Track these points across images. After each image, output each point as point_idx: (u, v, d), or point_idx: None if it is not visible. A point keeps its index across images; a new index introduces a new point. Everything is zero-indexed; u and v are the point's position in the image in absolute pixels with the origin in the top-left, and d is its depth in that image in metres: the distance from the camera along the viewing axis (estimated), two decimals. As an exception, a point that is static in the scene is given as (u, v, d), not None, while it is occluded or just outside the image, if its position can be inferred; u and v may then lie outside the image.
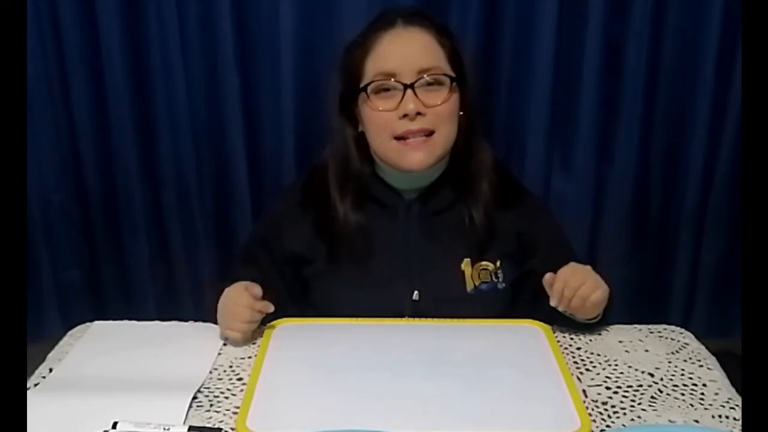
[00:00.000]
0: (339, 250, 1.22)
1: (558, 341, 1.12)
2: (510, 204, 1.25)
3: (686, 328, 1.19)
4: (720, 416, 0.95)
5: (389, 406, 0.94)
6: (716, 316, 1.67)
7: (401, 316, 1.19)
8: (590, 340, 1.14)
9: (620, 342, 1.13)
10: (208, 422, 0.93)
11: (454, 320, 1.16)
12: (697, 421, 0.94)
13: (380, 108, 1.16)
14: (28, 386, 1.01)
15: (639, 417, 0.95)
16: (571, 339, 1.14)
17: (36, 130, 1.51)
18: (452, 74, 1.17)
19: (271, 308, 1.12)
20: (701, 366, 1.07)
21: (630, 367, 1.06)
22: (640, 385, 1.02)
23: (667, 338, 1.15)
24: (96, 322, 1.21)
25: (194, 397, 0.97)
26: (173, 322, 1.20)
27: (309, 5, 1.45)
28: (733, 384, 1.03)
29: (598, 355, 1.10)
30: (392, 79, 1.15)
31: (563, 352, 1.08)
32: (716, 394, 1.00)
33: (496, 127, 1.53)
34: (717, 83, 1.49)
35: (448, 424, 0.91)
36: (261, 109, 1.53)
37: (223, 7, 1.43)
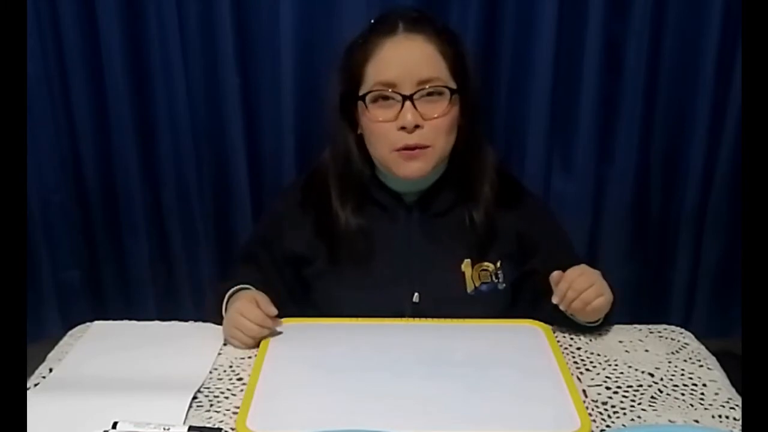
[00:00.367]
0: (339, 251, 1.22)
1: (558, 341, 1.12)
2: (510, 204, 1.25)
3: (686, 328, 1.19)
4: (720, 416, 0.95)
5: (389, 406, 0.94)
6: (716, 316, 1.67)
7: (401, 316, 1.19)
8: (590, 340, 1.14)
9: (620, 342, 1.14)
10: (208, 422, 0.93)
11: (454, 320, 1.16)
12: (697, 421, 0.94)
13: (379, 118, 1.15)
14: (28, 386, 1.01)
15: (639, 417, 0.95)
16: (571, 339, 1.14)
17: (36, 130, 1.51)
18: (453, 86, 1.15)
19: (278, 324, 1.13)
20: (701, 366, 1.07)
21: (630, 367, 1.06)
22: (640, 385, 1.02)
23: (667, 338, 1.15)
24: (96, 322, 1.21)
25: (194, 397, 0.97)
26: (173, 322, 1.20)
27: (309, 5, 1.44)
28: (733, 384, 1.03)
29: (598, 355, 1.10)
30: (391, 90, 1.14)
31: (563, 352, 1.08)
32: (716, 394, 1.00)
33: (496, 127, 1.53)
34: (717, 83, 1.49)
35: (448, 424, 0.91)
36: (261, 109, 1.53)
37: (223, 7, 1.43)
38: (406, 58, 1.15)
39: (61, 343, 1.15)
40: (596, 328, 1.15)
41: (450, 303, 1.19)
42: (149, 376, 1.03)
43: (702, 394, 1.00)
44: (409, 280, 1.21)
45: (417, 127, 1.13)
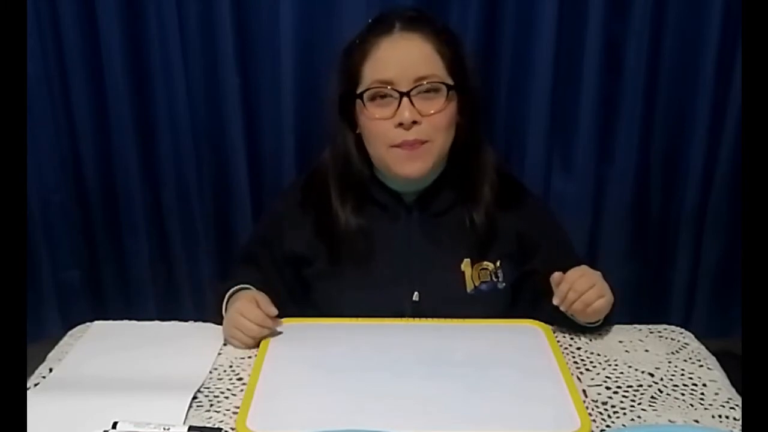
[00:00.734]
0: (339, 251, 1.22)
1: (558, 341, 1.12)
2: (510, 204, 1.25)
3: (686, 328, 1.19)
4: (720, 416, 0.95)
5: (389, 406, 0.94)
6: (716, 316, 1.67)
7: (402, 316, 1.19)
8: (590, 340, 1.14)
9: (620, 342, 1.14)
10: (208, 422, 0.93)
11: (454, 320, 1.16)
12: (697, 421, 0.94)
13: (376, 116, 1.15)
14: (28, 386, 1.01)
15: (639, 417, 0.95)
16: (571, 339, 1.14)
17: (36, 130, 1.51)
18: (450, 82, 1.16)
19: (278, 324, 1.13)
20: (701, 366, 1.07)
21: (630, 367, 1.06)
22: (640, 385, 1.02)
23: (667, 338, 1.15)
24: (96, 322, 1.21)
25: (194, 397, 0.97)
26: (173, 322, 1.20)
27: (309, 5, 1.44)
28: (733, 384, 1.03)
29: (598, 355, 1.10)
30: (388, 87, 1.14)
31: (563, 352, 1.08)
32: (716, 394, 1.00)
33: (496, 127, 1.53)
34: (717, 83, 1.49)
35: (448, 424, 0.91)
36: (261, 109, 1.53)
37: (223, 7, 1.43)
38: (402, 57, 1.15)
39: (61, 343, 1.15)
40: (596, 329, 1.15)
41: (450, 302, 1.20)
42: (149, 376, 1.03)
43: (702, 394, 1.00)
44: (409, 279, 1.21)
45: (415, 123, 1.14)
